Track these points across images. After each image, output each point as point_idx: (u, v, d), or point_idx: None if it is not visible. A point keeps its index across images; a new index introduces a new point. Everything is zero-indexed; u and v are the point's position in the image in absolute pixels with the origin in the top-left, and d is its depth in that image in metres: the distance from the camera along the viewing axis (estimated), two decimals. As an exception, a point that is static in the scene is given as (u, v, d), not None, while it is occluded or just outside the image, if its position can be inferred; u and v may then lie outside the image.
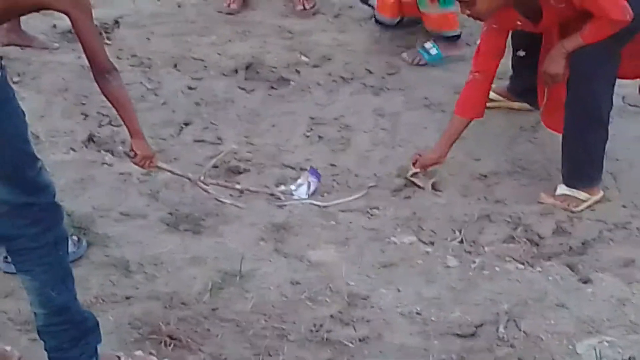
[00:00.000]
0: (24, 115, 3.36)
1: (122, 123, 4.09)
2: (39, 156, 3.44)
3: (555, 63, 4.66)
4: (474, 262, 4.44)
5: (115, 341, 3.90)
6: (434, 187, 4.89)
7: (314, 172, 4.90)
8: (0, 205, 3.36)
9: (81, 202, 4.66)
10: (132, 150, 4.15)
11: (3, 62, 3.30)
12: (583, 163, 4.78)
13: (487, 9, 4.56)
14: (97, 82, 3.93)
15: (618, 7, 4.51)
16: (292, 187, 4.86)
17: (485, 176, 4.97)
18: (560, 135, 4.81)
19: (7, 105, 3.30)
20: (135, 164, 4.23)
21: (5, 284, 4.03)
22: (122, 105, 4.00)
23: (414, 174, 4.89)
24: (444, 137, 4.94)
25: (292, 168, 4.99)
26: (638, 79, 5.11)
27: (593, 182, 4.78)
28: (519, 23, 4.76)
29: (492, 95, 5.38)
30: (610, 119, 5.07)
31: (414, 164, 4.91)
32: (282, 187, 4.86)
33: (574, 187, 4.78)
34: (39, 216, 3.42)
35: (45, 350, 3.60)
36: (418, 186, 4.87)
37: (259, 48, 5.90)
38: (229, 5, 6.46)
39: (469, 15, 4.62)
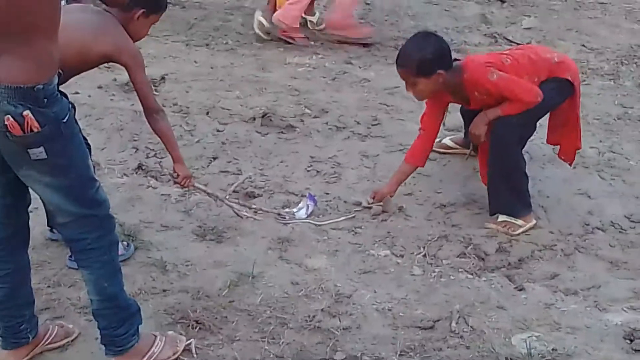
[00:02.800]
0: (87, 147, 3.37)
1: (167, 152, 4.39)
2: (97, 179, 3.45)
3: (478, 127, 4.71)
4: (434, 271, 4.44)
5: (153, 324, 3.90)
6: (400, 209, 4.89)
7: (312, 198, 4.91)
8: (67, 215, 3.36)
9: (131, 216, 4.67)
10: (175, 172, 4.39)
11: (72, 105, 3.31)
12: (514, 198, 4.79)
13: (426, 93, 4.66)
14: (147, 120, 4.23)
15: (530, 92, 4.62)
16: (295, 209, 4.87)
17: (444, 205, 4.96)
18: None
19: (75, 138, 3.32)
20: (177, 183, 4.46)
21: (69, 277, 4.03)
22: (167, 137, 4.32)
23: (372, 203, 4.90)
24: (394, 177, 4.96)
25: (295, 194, 4.98)
26: (556, 145, 5.16)
27: (524, 212, 4.78)
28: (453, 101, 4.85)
29: (451, 144, 5.42)
30: (543, 165, 5.09)
31: (372, 197, 4.91)
32: (287, 209, 4.87)
33: (511, 215, 4.78)
34: (96, 225, 3.43)
35: (98, 328, 3.61)
36: (385, 211, 4.88)
37: (272, 102, 5.91)
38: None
39: (413, 93, 4.68)
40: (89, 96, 5.79)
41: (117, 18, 4.09)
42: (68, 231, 3.45)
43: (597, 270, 4.51)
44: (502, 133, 4.68)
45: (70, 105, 3.29)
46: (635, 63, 6.70)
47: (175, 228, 4.66)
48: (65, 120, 3.22)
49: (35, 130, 3.12)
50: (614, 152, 5.54)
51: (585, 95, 6.12)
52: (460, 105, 5.20)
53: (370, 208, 4.92)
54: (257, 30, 6.95)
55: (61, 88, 3.30)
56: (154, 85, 5.96)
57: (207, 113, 5.74)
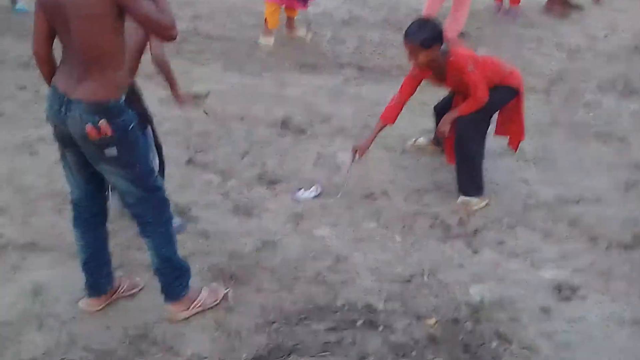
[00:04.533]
0: (159, 147, 3.40)
1: (169, 81, 4.39)
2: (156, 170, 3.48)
3: (444, 126, 4.70)
4: (410, 239, 4.44)
5: (199, 279, 3.92)
6: (384, 193, 4.87)
7: (320, 184, 4.91)
8: (133, 197, 3.41)
9: (183, 197, 4.67)
10: (178, 95, 4.44)
11: (147, 115, 3.38)
12: (471, 183, 4.78)
13: (424, 63, 4.59)
14: (151, 48, 4.08)
15: (483, 96, 4.60)
16: (308, 191, 4.88)
17: (418, 190, 4.95)
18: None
19: (139, 140, 3.37)
20: (183, 102, 4.51)
21: (137, 243, 4.02)
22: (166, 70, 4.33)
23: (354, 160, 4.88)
24: (371, 135, 4.90)
25: (306, 181, 4.97)
26: (507, 136, 5.12)
27: (478, 194, 4.78)
28: (431, 77, 4.81)
29: (423, 142, 5.40)
30: (493, 159, 5.07)
31: (354, 151, 4.87)
32: (302, 190, 4.86)
33: (469, 196, 4.78)
34: (155, 204, 3.47)
35: (159, 282, 3.62)
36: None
37: (289, 112, 5.90)
38: None
39: (413, 63, 4.65)
40: (151, 107, 5.75)
41: None
42: (134, 209, 3.48)
43: (533, 238, 4.50)
44: (462, 128, 4.69)
45: (136, 115, 3.32)
46: (563, 83, 6.67)
47: (215, 206, 4.66)
48: (131, 127, 3.27)
49: (109, 134, 3.17)
50: (546, 149, 5.52)
51: (525, 107, 6.10)
52: (433, 109, 5.22)
53: (354, 161, 4.89)
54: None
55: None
56: (199, 98, 5.96)
57: (240, 120, 5.73)
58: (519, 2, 8.36)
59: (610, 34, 7.99)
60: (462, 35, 7.46)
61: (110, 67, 3.17)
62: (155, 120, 5.53)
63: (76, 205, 3.57)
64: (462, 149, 4.75)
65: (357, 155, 4.88)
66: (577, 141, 5.67)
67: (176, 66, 6.47)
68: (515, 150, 5.16)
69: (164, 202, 3.51)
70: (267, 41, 7.06)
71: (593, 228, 4.60)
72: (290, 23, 7.34)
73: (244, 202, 4.70)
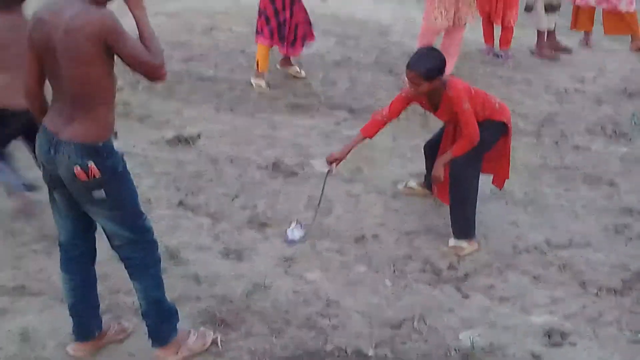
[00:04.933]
0: (134, 187, 3.44)
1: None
2: (144, 212, 3.46)
3: (438, 171, 4.70)
4: (401, 283, 4.43)
5: (189, 323, 3.91)
6: (374, 236, 4.87)
7: (301, 225, 4.90)
8: (121, 239, 3.41)
9: (173, 239, 4.66)
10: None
11: (125, 157, 3.36)
12: (465, 225, 4.79)
13: (424, 92, 4.60)
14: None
15: (475, 135, 4.59)
16: (290, 229, 4.87)
17: (409, 233, 4.95)
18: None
19: (127, 182, 3.37)
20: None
21: (126, 286, 3.99)
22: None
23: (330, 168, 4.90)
24: (348, 145, 4.93)
25: (296, 222, 4.95)
26: (492, 174, 5.13)
27: (470, 237, 4.78)
28: (423, 103, 4.82)
29: (414, 186, 5.41)
30: (482, 202, 5.08)
31: (329, 161, 4.88)
32: (289, 230, 4.86)
33: (460, 239, 4.78)
34: (144, 246, 3.47)
35: (147, 325, 3.60)
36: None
37: (281, 153, 5.90)
38: None
39: (412, 91, 4.63)
40: (143, 149, 5.79)
41: None
42: (122, 251, 3.48)
43: (523, 282, 4.51)
44: (456, 169, 4.70)
45: (123, 157, 3.33)
46: (552, 125, 6.72)
47: (206, 249, 4.65)
48: (120, 169, 3.29)
49: (97, 176, 3.19)
50: (536, 193, 5.54)
51: (514, 149, 6.09)
52: (423, 149, 5.24)
53: (330, 172, 4.91)
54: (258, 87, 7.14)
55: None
56: (191, 140, 5.96)
57: (232, 161, 5.74)
58: (509, 44, 8.44)
59: (598, 76, 8.06)
60: (452, 76, 7.50)
61: (100, 107, 3.19)
62: (146, 162, 5.59)
63: (64, 247, 3.57)
64: (457, 190, 4.76)
65: (333, 166, 4.89)
66: (566, 184, 5.69)
67: (168, 107, 6.55)
68: (500, 189, 5.18)
69: (152, 245, 3.51)
70: (259, 83, 7.10)
71: (583, 273, 4.61)
72: (284, 61, 7.39)
73: (234, 245, 4.69)
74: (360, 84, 7.41)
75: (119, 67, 3.25)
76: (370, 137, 4.92)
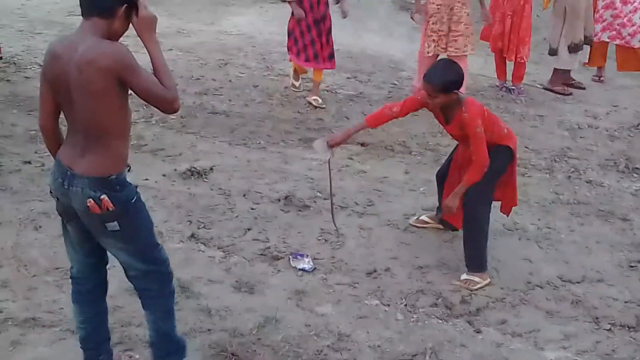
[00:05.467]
0: (150, 218, 3.45)
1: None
2: (160, 242, 3.48)
3: (453, 201, 4.70)
4: (413, 317, 4.41)
5: (200, 356, 3.88)
6: (387, 270, 4.86)
7: (309, 258, 4.92)
8: (136, 271, 3.42)
9: (185, 272, 4.65)
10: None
11: (138, 190, 3.37)
12: (476, 259, 4.78)
13: (440, 104, 4.62)
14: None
15: (485, 161, 4.58)
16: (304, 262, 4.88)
17: (421, 267, 4.93)
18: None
19: (141, 213, 3.38)
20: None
21: (137, 319, 4.01)
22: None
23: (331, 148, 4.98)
24: (350, 130, 5.01)
25: (307, 256, 4.95)
26: (499, 201, 5.09)
27: (482, 269, 4.76)
28: (436, 113, 4.83)
29: (427, 220, 5.41)
30: (495, 238, 5.08)
31: (330, 144, 4.93)
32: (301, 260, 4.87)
33: (472, 273, 4.76)
34: (158, 278, 3.48)
35: (153, 356, 3.62)
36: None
37: (293, 187, 5.92)
38: None
39: (430, 102, 4.64)
40: (156, 182, 5.81)
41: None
42: (137, 282, 3.49)
43: (536, 317, 4.48)
44: (470, 205, 4.69)
45: (137, 190, 3.34)
46: (565, 161, 6.72)
47: (218, 282, 4.64)
48: (133, 201, 3.30)
49: (110, 209, 3.20)
50: (549, 228, 5.53)
51: (527, 184, 6.15)
52: (435, 176, 5.27)
53: (331, 157, 5.04)
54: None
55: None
56: (204, 174, 5.99)
57: (244, 195, 5.75)
58: (522, 80, 8.48)
59: (611, 112, 8.08)
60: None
61: (113, 140, 3.21)
62: (158, 194, 5.62)
63: (75, 279, 3.57)
64: (471, 223, 4.75)
65: (333, 150, 4.96)
66: (579, 219, 5.68)
67: (182, 140, 6.60)
68: (507, 216, 5.17)
69: (167, 276, 3.51)
70: (294, 82, 8.08)
71: (596, 308, 4.58)
72: (314, 89, 7.85)
73: (246, 278, 4.68)
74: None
75: (133, 100, 3.29)
76: (373, 127, 5.02)
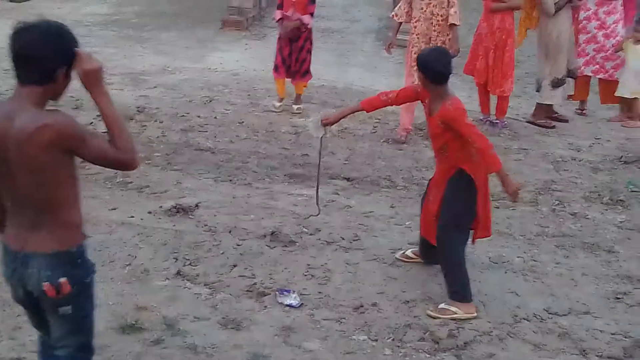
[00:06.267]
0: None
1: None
2: None
3: (510, 186, 4.63)
4: (400, 352, 4.42)
5: (187, 393, 3.86)
6: (374, 305, 4.87)
7: (296, 294, 4.91)
8: (67, 350, 3.19)
9: (171, 310, 4.64)
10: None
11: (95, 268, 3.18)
12: (454, 288, 4.82)
13: (427, 91, 4.75)
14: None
15: (483, 140, 4.60)
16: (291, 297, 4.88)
17: (408, 301, 4.94)
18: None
19: (92, 293, 3.17)
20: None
21: (124, 357, 3.99)
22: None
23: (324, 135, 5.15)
24: (344, 110, 5.15)
25: (293, 292, 4.95)
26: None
27: (463, 299, 4.79)
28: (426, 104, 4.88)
29: (411, 255, 5.42)
30: (481, 271, 5.09)
31: (323, 123, 5.04)
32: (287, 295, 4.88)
33: (451, 302, 4.79)
34: (89, 350, 3.26)
35: None
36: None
37: (279, 223, 5.93)
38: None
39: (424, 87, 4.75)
40: (141, 219, 5.81)
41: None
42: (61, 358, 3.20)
43: (523, 351, 4.50)
44: (442, 236, 4.75)
45: (94, 266, 3.15)
46: (550, 193, 6.78)
47: (205, 319, 4.63)
48: (88, 280, 3.10)
49: (67, 292, 2.98)
50: (535, 261, 5.56)
51: (512, 217, 6.20)
52: (421, 201, 5.26)
53: (324, 136, 5.15)
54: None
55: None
56: (190, 211, 6.00)
57: (230, 231, 5.76)
58: (505, 113, 8.57)
59: (594, 144, 8.17)
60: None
61: (66, 210, 2.98)
62: (144, 232, 5.62)
63: (41, 339, 3.34)
64: (442, 254, 4.85)
65: (327, 129, 5.08)
66: (565, 252, 5.73)
67: (167, 177, 6.62)
68: (473, 243, 5.06)
69: (92, 348, 3.28)
70: (274, 103, 8.73)
71: (583, 340, 4.60)
72: (295, 99, 8.75)
73: (233, 315, 4.68)
74: (358, 154, 7.50)
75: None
76: (367, 111, 5.13)
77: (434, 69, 4.63)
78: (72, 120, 2.86)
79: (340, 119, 5.08)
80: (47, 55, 2.83)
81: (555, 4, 8.25)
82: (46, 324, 3.17)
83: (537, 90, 8.78)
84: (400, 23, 7.92)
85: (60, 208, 2.95)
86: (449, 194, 4.79)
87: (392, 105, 5.03)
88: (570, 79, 8.75)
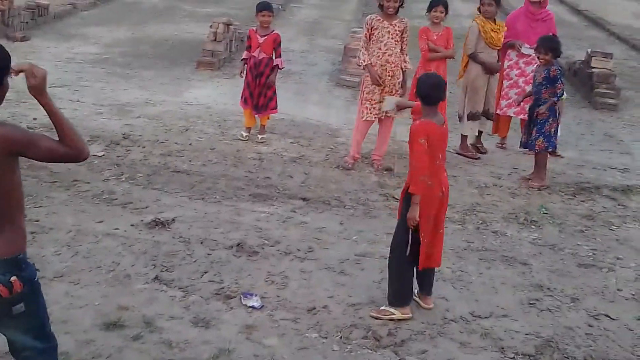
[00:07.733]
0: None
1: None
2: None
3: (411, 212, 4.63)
4: (347, 348, 4.42)
5: (162, 383, 3.81)
6: (324, 307, 4.88)
7: (258, 297, 4.87)
8: (33, 350, 3.05)
9: (150, 310, 4.59)
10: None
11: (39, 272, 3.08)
12: (393, 294, 4.84)
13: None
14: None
15: (421, 163, 4.55)
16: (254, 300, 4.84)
17: (354, 305, 4.92)
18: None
19: (40, 290, 3.06)
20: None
21: (108, 351, 3.92)
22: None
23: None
24: (418, 103, 4.86)
25: (256, 295, 4.93)
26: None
27: (402, 305, 4.79)
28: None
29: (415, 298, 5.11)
30: (416, 279, 5.10)
31: (399, 106, 5.52)
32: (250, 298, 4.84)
33: (391, 305, 4.81)
34: (50, 354, 3.12)
35: None
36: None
37: (244, 236, 5.91)
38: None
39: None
40: (125, 231, 5.75)
41: None
42: None
43: (451, 348, 4.54)
44: (392, 243, 4.78)
45: (35, 267, 3.04)
46: (475, 214, 6.86)
47: (178, 318, 4.59)
48: (35, 279, 2.99)
49: (19, 291, 2.86)
50: (462, 271, 5.62)
51: (444, 234, 6.24)
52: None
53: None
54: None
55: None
56: (167, 224, 5.94)
57: (202, 242, 5.72)
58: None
59: (512, 172, 8.29)
60: (388, 169, 7.71)
61: (17, 215, 2.85)
62: (127, 242, 5.55)
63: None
64: (390, 260, 4.85)
65: (397, 111, 5.70)
66: (487, 264, 5.79)
67: (148, 195, 6.55)
68: (420, 269, 4.86)
69: (55, 349, 3.15)
70: (241, 132, 8.54)
71: (502, 340, 4.66)
72: (260, 129, 8.54)
73: (203, 315, 4.65)
74: (313, 177, 7.51)
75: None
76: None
77: (424, 91, 4.65)
78: (18, 127, 2.81)
79: (409, 107, 5.35)
80: None
81: (473, 52, 8.40)
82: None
83: (459, 120, 8.88)
84: (366, 65, 7.74)
85: (13, 214, 2.84)
86: (404, 211, 4.75)
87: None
88: (486, 118, 8.83)
